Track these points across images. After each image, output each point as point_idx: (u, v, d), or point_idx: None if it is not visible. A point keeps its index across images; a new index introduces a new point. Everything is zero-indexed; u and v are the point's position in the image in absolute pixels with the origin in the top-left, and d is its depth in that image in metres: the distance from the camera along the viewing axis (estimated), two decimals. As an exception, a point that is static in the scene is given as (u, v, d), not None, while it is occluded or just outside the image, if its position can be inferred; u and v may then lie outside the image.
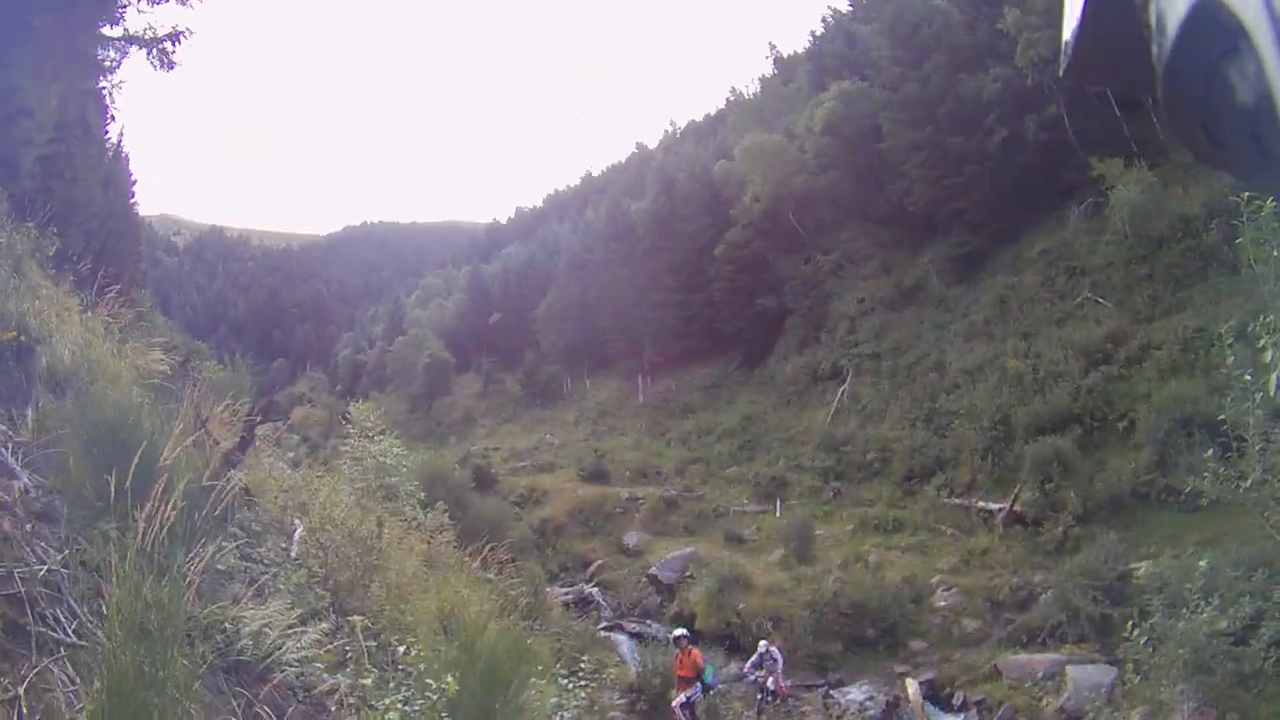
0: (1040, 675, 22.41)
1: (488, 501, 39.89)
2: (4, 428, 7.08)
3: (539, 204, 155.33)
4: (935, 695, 23.90)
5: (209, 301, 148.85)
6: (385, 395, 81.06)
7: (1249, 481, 13.87)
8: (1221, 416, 14.61)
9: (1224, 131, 0.80)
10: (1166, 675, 15.79)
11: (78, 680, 5.10)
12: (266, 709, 6.11)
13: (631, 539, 40.37)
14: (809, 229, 60.39)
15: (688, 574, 33.84)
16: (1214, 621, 15.35)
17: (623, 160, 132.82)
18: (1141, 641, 16.08)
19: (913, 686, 22.81)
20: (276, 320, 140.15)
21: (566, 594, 34.63)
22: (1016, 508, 31.57)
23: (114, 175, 28.88)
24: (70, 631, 5.43)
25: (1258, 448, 13.30)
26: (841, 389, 48.15)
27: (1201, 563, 16.57)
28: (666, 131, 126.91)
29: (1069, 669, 21.91)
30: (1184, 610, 15.67)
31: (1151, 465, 28.10)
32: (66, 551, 6.01)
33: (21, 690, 4.72)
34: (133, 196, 36.52)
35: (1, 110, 22.34)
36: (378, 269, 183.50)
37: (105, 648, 4.27)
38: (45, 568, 5.66)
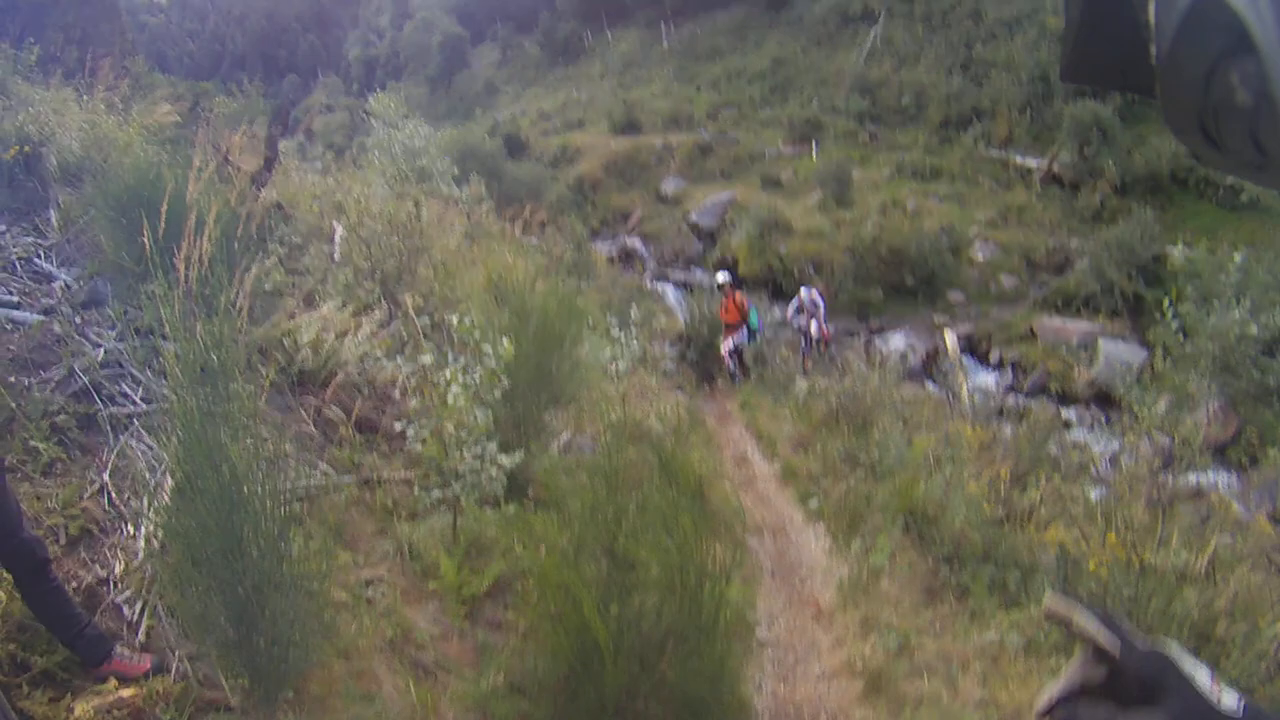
0: (1074, 341, 22.68)
1: (521, 166, 39.77)
2: (30, 238, 7.10)
3: None
4: (972, 349, 24.39)
5: (205, 44, 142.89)
6: (403, 84, 79.14)
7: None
8: None
9: (1223, 131, 0.79)
10: (1194, 366, 15.83)
11: (154, 444, 5.27)
12: (334, 408, 6.31)
13: (669, 187, 40.16)
14: None
15: (728, 218, 33.87)
16: (1244, 325, 15.25)
17: None
18: (1173, 326, 16.06)
19: (951, 338, 23.03)
20: (279, 40, 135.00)
21: (610, 248, 34.91)
22: (1054, 167, 31.08)
23: None
24: (138, 399, 5.58)
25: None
26: (873, 30, 46.29)
27: (1236, 257, 16.26)
28: None
29: (1101, 341, 22.22)
30: (1215, 303, 15.57)
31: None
32: (119, 326, 6.09)
33: (106, 477, 4.88)
34: None
35: None
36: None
37: (171, 400, 4.37)
38: (101, 350, 5.75)
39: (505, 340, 6.74)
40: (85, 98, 10.47)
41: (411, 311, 7.60)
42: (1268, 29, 0.69)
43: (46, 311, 6.11)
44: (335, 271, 8.65)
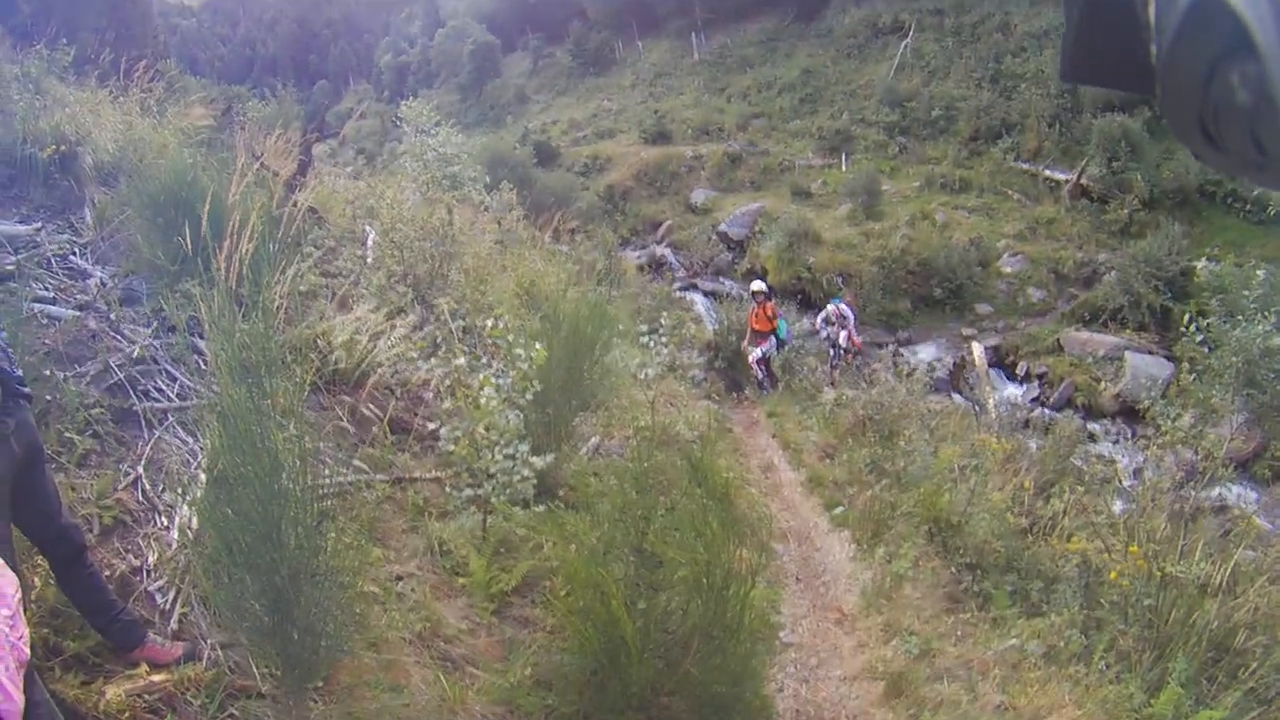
0: (1101, 355, 22.73)
1: (552, 174, 39.91)
2: (66, 236, 7.23)
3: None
4: (999, 362, 24.42)
5: (237, 48, 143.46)
6: (434, 91, 79.43)
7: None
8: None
9: (1223, 131, 0.80)
10: (1220, 380, 15.64)
11: (189, 438, 5.39)
12: (369, 408, 6.45)
13: (699, 197, 40.22)
14: None
15: (757, 229, 33.92)
16: (1268, 339, 15.10)
17: None
18: (1197, 340, 15.92)
19: (978, 350, 23.14)
20: (310, 45, 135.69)
21: (639, 256, 35.02)
22: (1083, 181, 31.01)
23: None
24: (173, 395, 5.71)
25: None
26: (904, 43, 46.26)
27: (1260, 272, 16.19)
28: None
29: (1128, 355, 22.22)
30: (1239, 318, 15.45)
31: None
32: (154, 324, 6.22)
33: (141, 469, 5.01)
34: None
35: None
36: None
37: (209, 395, 4.47)
38: (137, 347, 5.88)
39: (538, 345, 6.86)
40: (120, 99, 10.60)
41: (446, 315, 7.73)
42: (1268, 29, 0.71)
43: (82, 308, 6.21)
44: (368, 274, 8.78)
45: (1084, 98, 33.54)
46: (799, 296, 28.20)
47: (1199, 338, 15.81)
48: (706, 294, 30.71)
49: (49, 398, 5.02)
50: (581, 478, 7.19)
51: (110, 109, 10.12)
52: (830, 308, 19.41)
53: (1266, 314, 15.29)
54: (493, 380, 6.43)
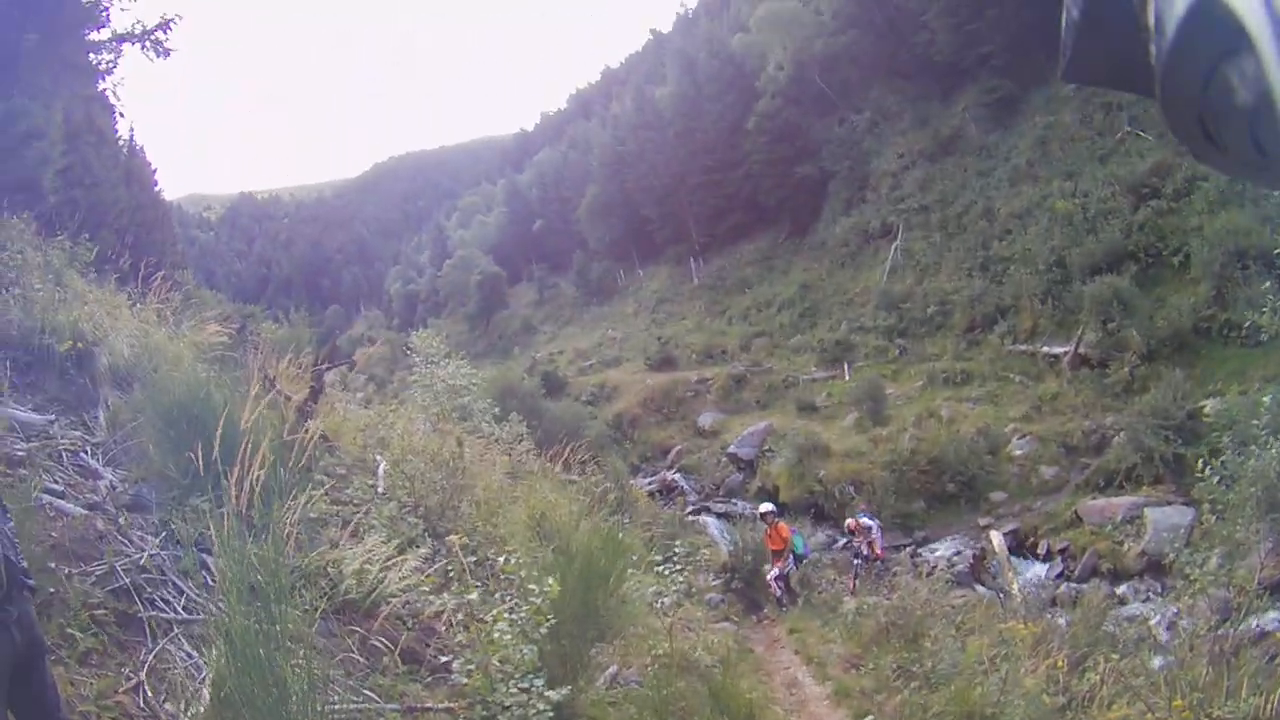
0: (1120, 518, 22.61)
1: (560, 405, 40.32)
2: (78, 433, 7.32)
3: (564, 105, 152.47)
4: (1020, 546, 24.22)
5: (252, 265, 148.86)
6: (442, 320, 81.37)
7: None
8: (1277, 251, 14.32)
9: (1223, 132, 0.82)
10: (1241, 514, 15.50)
11: (194, 653, 5.38)
12: (380, 640, 6.43)
13: (706, 420, 40.73)
14: (837, 91, 59.38)
15: (766, 447, 34.17)
16: None
17: (640, 48, 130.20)
18: (1214, 480, 15.79)
19: (997, 538, 22.81)
20: (322, 269, 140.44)
21: (650, 483, 35.14)
22: (1081, 350, 31.45)
23: (133, 170, 29.31)
24: (180, 609, 5.72)
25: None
26: (894, 245, 47.45)
27: (1265, 398, 16.31)
28: (679, 14, 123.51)
29: (1147, 511, 22.05)
30: (1253, 448, 15.43)
31: (1210, 300, 27.74)
32: (163, 534, 6.28)
33: (143, 675, 5.00)
34: (156, 185, 37.23)
35: (12, 135, 22.72)
36: (414, 199, 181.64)
37: (217, 614, 4.49)
38: (144, 554, 5.92)
39: (550, 579, 6.89)
40: (138, 305, 10.83)
41: (458, 550, 7.76)
42: (1268, 29, 0.71)
43: (90, 507, 6.19)
44: (379, 504, 8.84)
45: (1072, 266, 34.25)
46: (812, 510, 28.28)
47: (1215, 478, 15.70)
48: (719, 516, 30.65)
49: (52, 591, 4.95)
50: (600, 709, 7.11)
51: (128, 313, 10.32)
52: (850, 521, 19.49)
53: (1278, 436, 15.23)
54: (506, 615, 6.44)
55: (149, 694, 4.92)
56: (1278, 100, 0.71)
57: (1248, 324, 21.40)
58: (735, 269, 61.94)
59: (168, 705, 4.92)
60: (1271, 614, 14.36)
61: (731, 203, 65.46)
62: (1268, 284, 15.54)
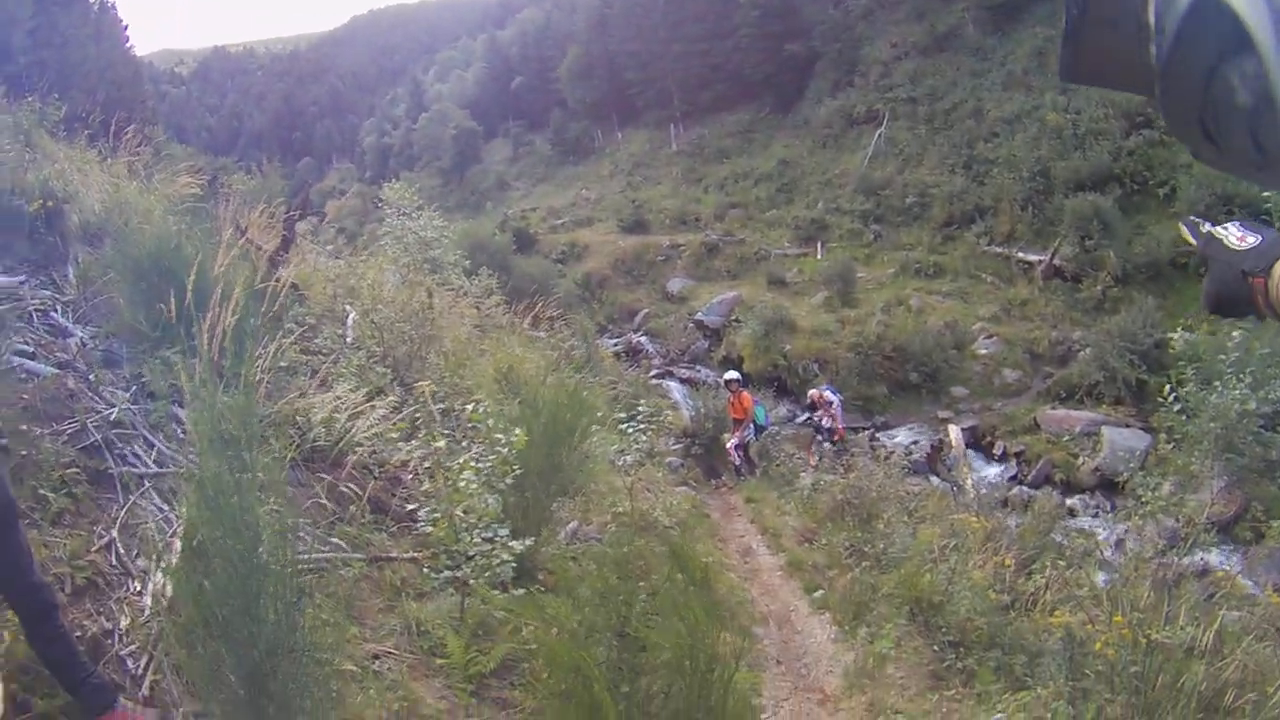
0: (1078, 431, 22.99)
1: (530, 261, 40.35)
2: (48, 292, 7.19)
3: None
4: (976, 443, 24.55)
5: (224, 119, 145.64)
6: (416, 174, 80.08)
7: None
8: (1267, 203, 14.25)
9: (1223, 132, 0.81)
10: (1199, 447, 15.80)
11: (165, 506, 5.34)
12: (348, 487, 6.42)
13: (675, 285, 40.75)
14: (835, -28, 58.26)
15: (733, 317, 34.26)
16: (1244, 401, 15.25)
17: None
18: (1175, 410, 16.08)
19: (955, 432, 23.27)
20: (295, 122, 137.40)
21: (616, 344, 35.25)
22: (1056, 261, 31.74)
23: (103, 28, 28.74)
24: (150, 462, 5.66)
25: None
26: (878, 132, 47.24)
27: (1234, 334, 16.42)
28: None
29: (1105, 430, 22.53)
30: (1216, 384, 15.60)
31: None
32: (134, 389, 6.19)
33: (115, 533, 4.96)
34: (127, 42, 36.43)
35: None
36: (391, 53, 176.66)
37: (188, 464, 4.43)
38: (115, 410, 5.84)
39: (517, 430, 6.87)
40: (108, 160, 10.65)
41: (428, 397, 7.73)
42: (1268, 29, 0.71)
43: (61, 366, 6.12)
44: (348, 354, 8.80)
45: (1056, 179, 34.40)
46: (775, 384, 28.41)
47: (1177, 407, 15.92)
48: (683, 381, 30.77)
49: (24, 453, 4.90)
50: (561, 562, 7.16)
51: (98, 170, 10.14)
52: (814, 393, 19.59)
53: (1242, 377, 15.42)
54: (473, 464, 6.42)
55: (121, 550, 4.90)
56: (1278, 100, 0.72)
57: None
58: (715, 139, 61.27)
59: (140, 560, 4.91)
60: (1215, 551, 14.73)
61: (716, 73, 64.62)
62: (1251, 233, 15.41)
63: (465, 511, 6.17)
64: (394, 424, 7.47)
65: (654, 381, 28.93)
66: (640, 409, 12.67)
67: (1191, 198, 28.07)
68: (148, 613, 4.57)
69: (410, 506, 6.64)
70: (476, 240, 33.62)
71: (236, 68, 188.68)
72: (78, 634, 4.22)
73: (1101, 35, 0.95)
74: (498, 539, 6.18)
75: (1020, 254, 34.01)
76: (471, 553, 6.05)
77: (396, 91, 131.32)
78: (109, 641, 4.40)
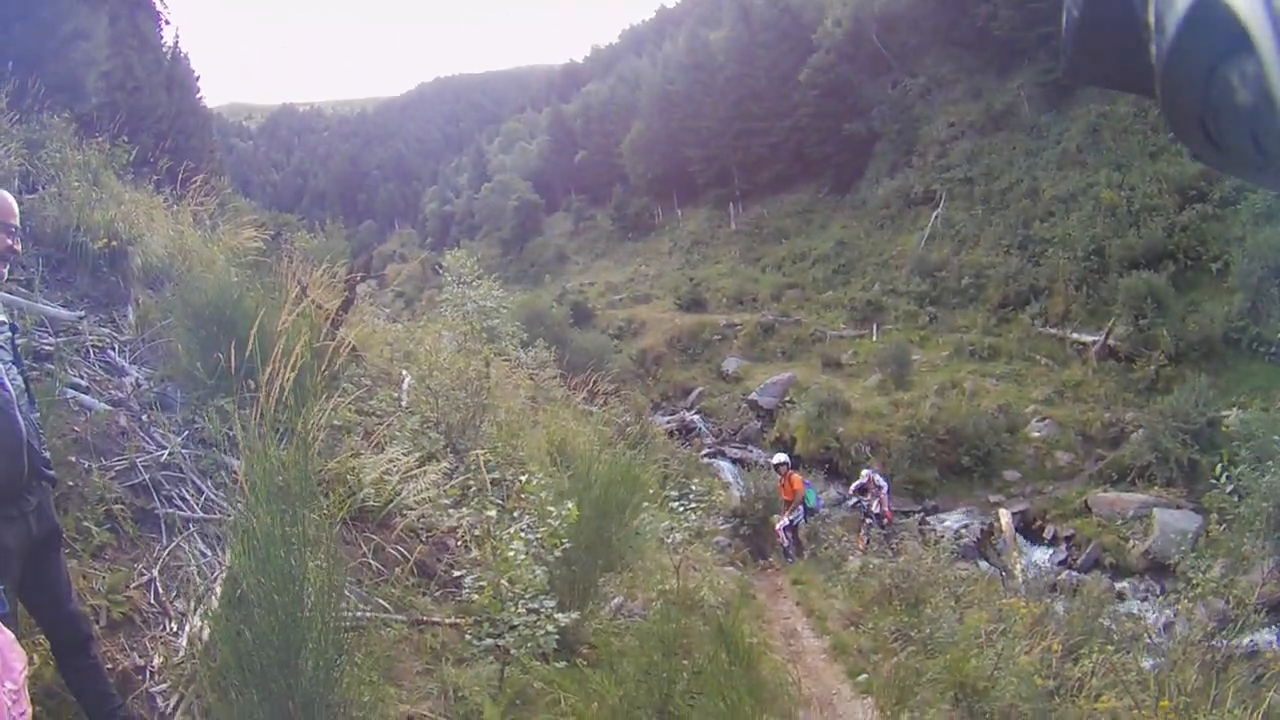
0: (1129, 515, 22.69)
1: (587, 335, 40.54)
2: (107, 330, 7.35)
3: (615, 40, 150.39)
4: (1027, 527, 24.31)
5: (289, 177, 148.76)
6: (476, 243, 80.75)
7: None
8: None
9: (1223, 132, 0.81)
10: (1250, 527, 15.57)
11: (208, 551, 5.46)
12: (395, 549, 6.52)
13: (730, 365, 40.78)
14: (893, 53, 59.10)
15: (787, 398, 34.17)
16: None
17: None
18: (1228, 490, 15.80)
19: (1006, 517, 22.91)
20: (359, 184, 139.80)
21: (669, 421, 35.09)
22: (1110, 341, 31.48)
23: (175, 76, 29.53)
24: (197, 507, 5.80)
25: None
26: (935, 213, 47.33)
27: None
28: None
29: (1156, 511, 22.19)
30: (1270, 464, 15.41)
31: (1244, 311, 27.80)
32: (185, 433, 6.35)
33: (156, 572, 5.09)
34: (198, 92, 37.22)
35: (58, 35, 22.74)
36: (456, 121, 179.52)
37: (237, 513, 4.54)
38: (166, 452, 5.98)
39: (569, 504, 6.96)
40: (174, 207, 10.86)
41: (482, 466, 7.82)
42: (1267, 29, 0.71)
43: (114, 403, 6.25)
44: (402, 417, 8.93)
45: (1110, 257, 34.25)
46: (827, 465, 28.34)
47: (1229, 487, 15.70)
48: (734, 461, 30.77)
49: (71, 484, 5.02)
50: (604, 636, 7.20)
51: (163, 215, 10.30)
52: (865, 474, 19.57)
53: None
54: (522, 535, 6.51)
55: (160, 590, 5.00)
56: (1278, 100, 0.71)
57: (1279, 340, 21.30)
58: (774, 218, 61.65)
59: (178, 602, 5.00)
60: (1265, 633, 14.45)
61: (776, 152, 64.94)
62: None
63: (511, 581, 6.24)
64: (448, 489, 7.57)
65: (705, 460, 28.90)
66: (692, 488, 12.72)
67: (1244, 270, 27.97)
68: (182, 653, 4.64)
69: (456, 573, 6.72)
70: (534, 312, 33.97)
71: (304, 126, 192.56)
72: (109, 666, 4.30)
73: (1102, 35, 0.97)
74: (543, 610, 6.24)
75: (1075, 335, 33.84)
76: (515, 622, 6.11)
77: (460, 160, 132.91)
78: (140, 678, 4.46)
